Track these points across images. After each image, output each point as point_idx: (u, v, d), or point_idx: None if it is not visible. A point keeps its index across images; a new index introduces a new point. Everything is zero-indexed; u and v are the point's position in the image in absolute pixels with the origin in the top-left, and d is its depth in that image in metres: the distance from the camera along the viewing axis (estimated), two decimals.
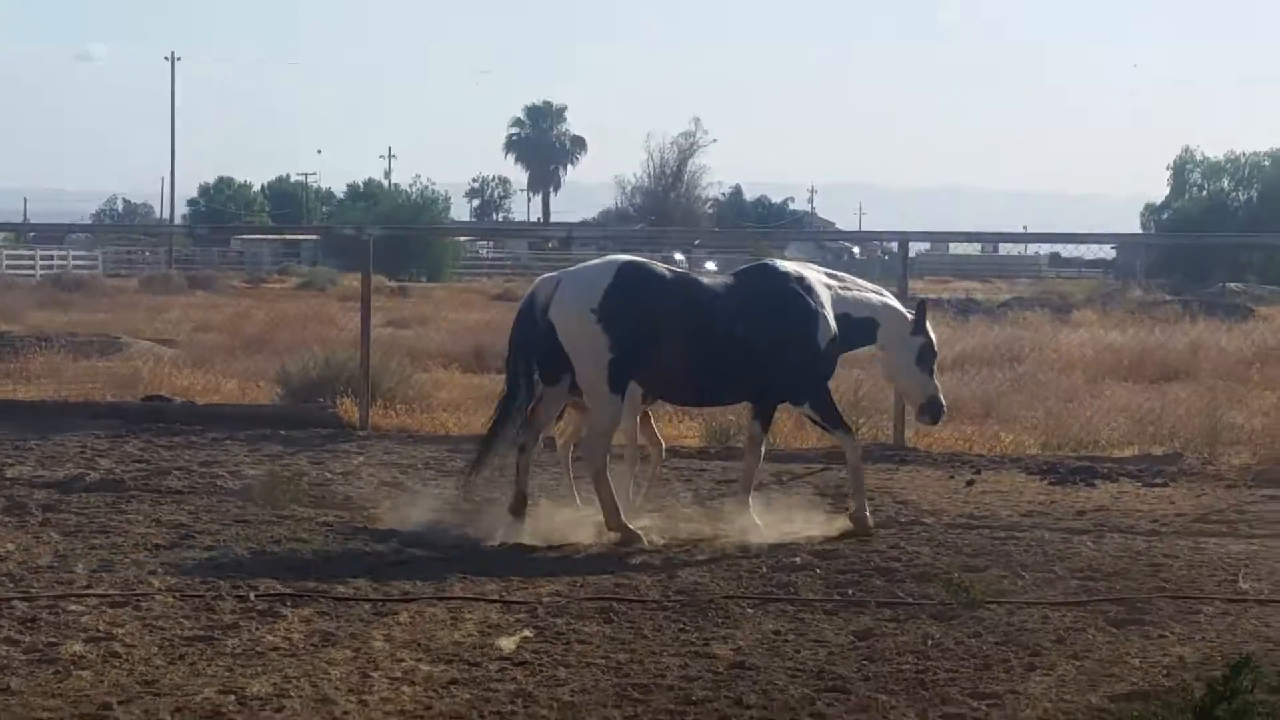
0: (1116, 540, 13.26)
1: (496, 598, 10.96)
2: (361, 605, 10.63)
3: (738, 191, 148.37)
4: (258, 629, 9.92)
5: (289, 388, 21.92)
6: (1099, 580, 11.74)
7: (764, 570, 12.07)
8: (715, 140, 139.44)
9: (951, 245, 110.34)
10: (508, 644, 9.66)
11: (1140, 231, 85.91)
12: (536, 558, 12.54)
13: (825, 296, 13.66)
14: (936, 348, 14.12)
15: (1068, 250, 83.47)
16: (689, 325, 13.20)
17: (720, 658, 9.50)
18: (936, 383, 14.12)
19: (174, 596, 10.69)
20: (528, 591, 11.17)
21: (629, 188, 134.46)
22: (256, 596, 10.74)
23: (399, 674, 9.00)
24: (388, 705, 8.40)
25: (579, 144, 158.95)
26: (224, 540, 12.71)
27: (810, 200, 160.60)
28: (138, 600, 10.56)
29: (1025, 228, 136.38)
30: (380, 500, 14.81)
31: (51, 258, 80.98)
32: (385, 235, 52.34)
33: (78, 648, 9.33)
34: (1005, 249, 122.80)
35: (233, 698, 8.44)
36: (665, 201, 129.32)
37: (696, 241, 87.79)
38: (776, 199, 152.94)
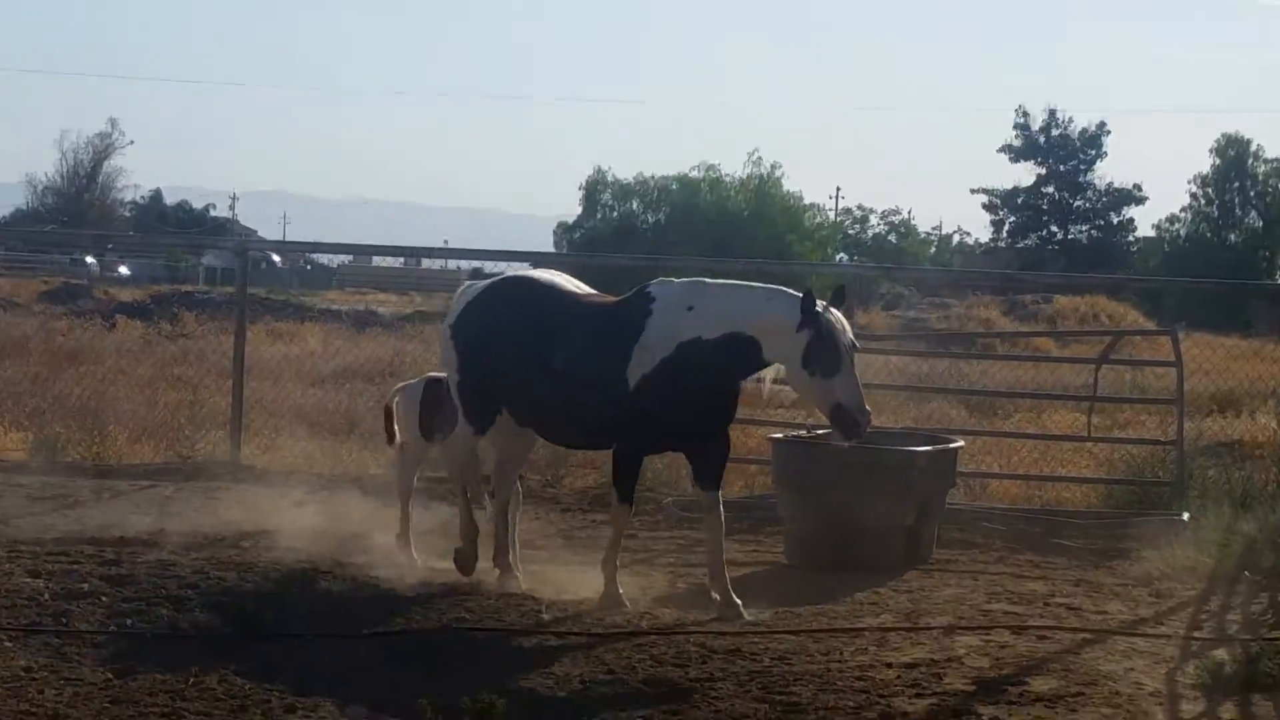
0: None
1: None
2: None
3: (158, 195, 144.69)
4: None
5: None
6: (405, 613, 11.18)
7: (45, 597, 11.07)
8: (132, 142, 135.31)
9: (375, 258, 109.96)
10: None
11: (553, 250, 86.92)
12: None
13: (664, 322, 11.53)
14: (839, 337, 11.16)
15: (491, 266, 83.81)
16: (521, 352, 11.94)
17: None
18: (847, 384, 11.19)
19: None
20: None
21: (40, 187, 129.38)
22: None
23: None
24: None
25: None
26: None
27: (232, 207, 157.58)
28: None
29: (446, 242, 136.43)
30: None
31: None
32: None
33: None
34: (428, 264, 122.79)
35: None
36: (79, 202, 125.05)
37: (109, 245, 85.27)
38: (198, 204, 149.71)
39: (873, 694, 9.18)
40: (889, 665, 9.94)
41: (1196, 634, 11.32)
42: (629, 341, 11.51)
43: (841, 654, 10.24)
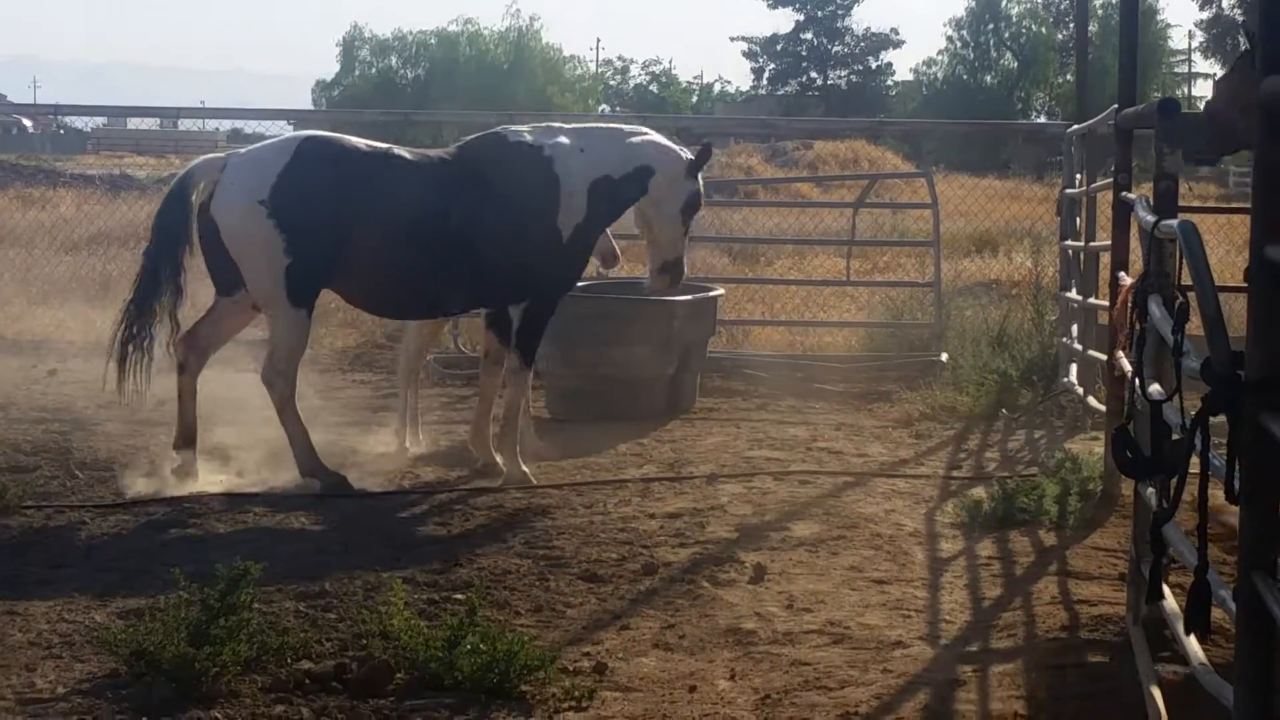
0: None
1: None
2: None
3: None
4: None
5: None
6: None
7: None
8: None
9: (130, 121, 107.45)
10: None
11: (313, 109, 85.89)
12: None
13: (574, 166, 11.02)
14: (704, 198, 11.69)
15: (250, 126, 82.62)
16: (393, 216, 10.60)
17: None
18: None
19: None
20: None
21: None
22: None
23: None
24: None
25: None
26: None
27: None
28: None
29: (203, 103, 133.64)
30: None
31: None
32: None
33: None
34: (185, 125, 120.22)
35: None
36: None
37: None
38: None
39: (636, 545, 9.16)
40: (652, 516, 9.95)
41: (955, 473, 11.47)
42: (552, 189, 10.92)
43: (605, 506, 10.23)
